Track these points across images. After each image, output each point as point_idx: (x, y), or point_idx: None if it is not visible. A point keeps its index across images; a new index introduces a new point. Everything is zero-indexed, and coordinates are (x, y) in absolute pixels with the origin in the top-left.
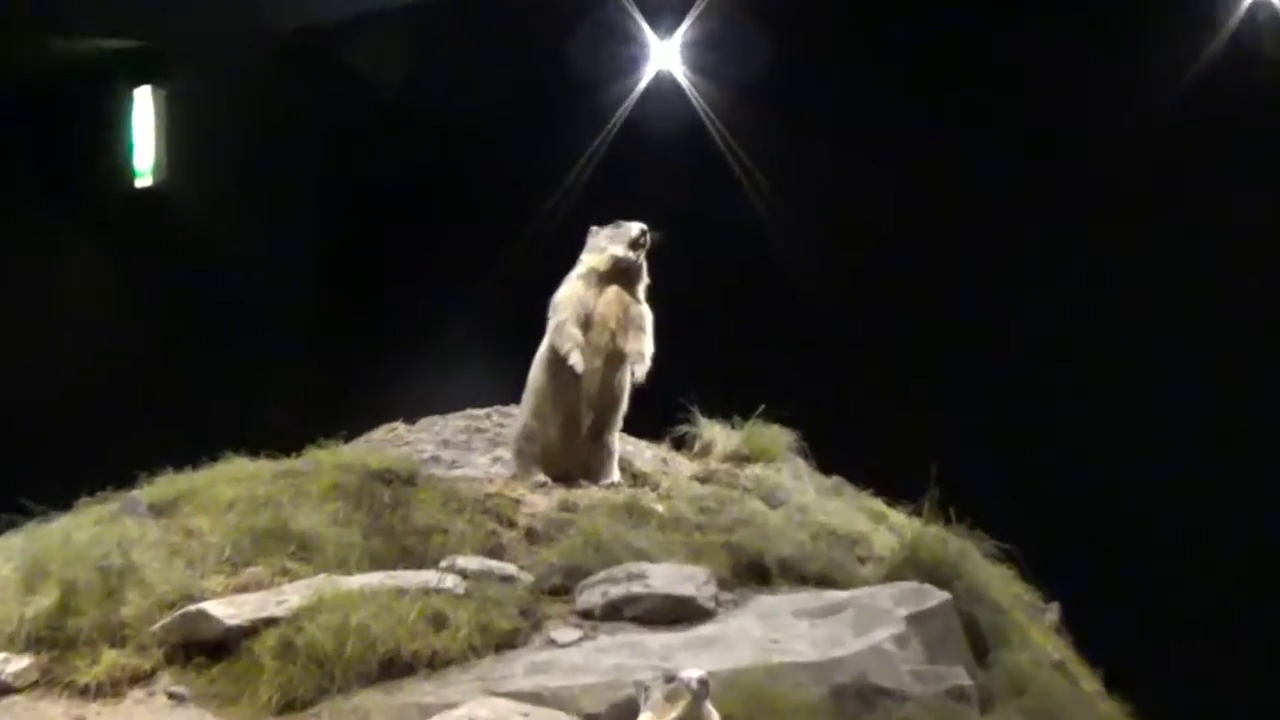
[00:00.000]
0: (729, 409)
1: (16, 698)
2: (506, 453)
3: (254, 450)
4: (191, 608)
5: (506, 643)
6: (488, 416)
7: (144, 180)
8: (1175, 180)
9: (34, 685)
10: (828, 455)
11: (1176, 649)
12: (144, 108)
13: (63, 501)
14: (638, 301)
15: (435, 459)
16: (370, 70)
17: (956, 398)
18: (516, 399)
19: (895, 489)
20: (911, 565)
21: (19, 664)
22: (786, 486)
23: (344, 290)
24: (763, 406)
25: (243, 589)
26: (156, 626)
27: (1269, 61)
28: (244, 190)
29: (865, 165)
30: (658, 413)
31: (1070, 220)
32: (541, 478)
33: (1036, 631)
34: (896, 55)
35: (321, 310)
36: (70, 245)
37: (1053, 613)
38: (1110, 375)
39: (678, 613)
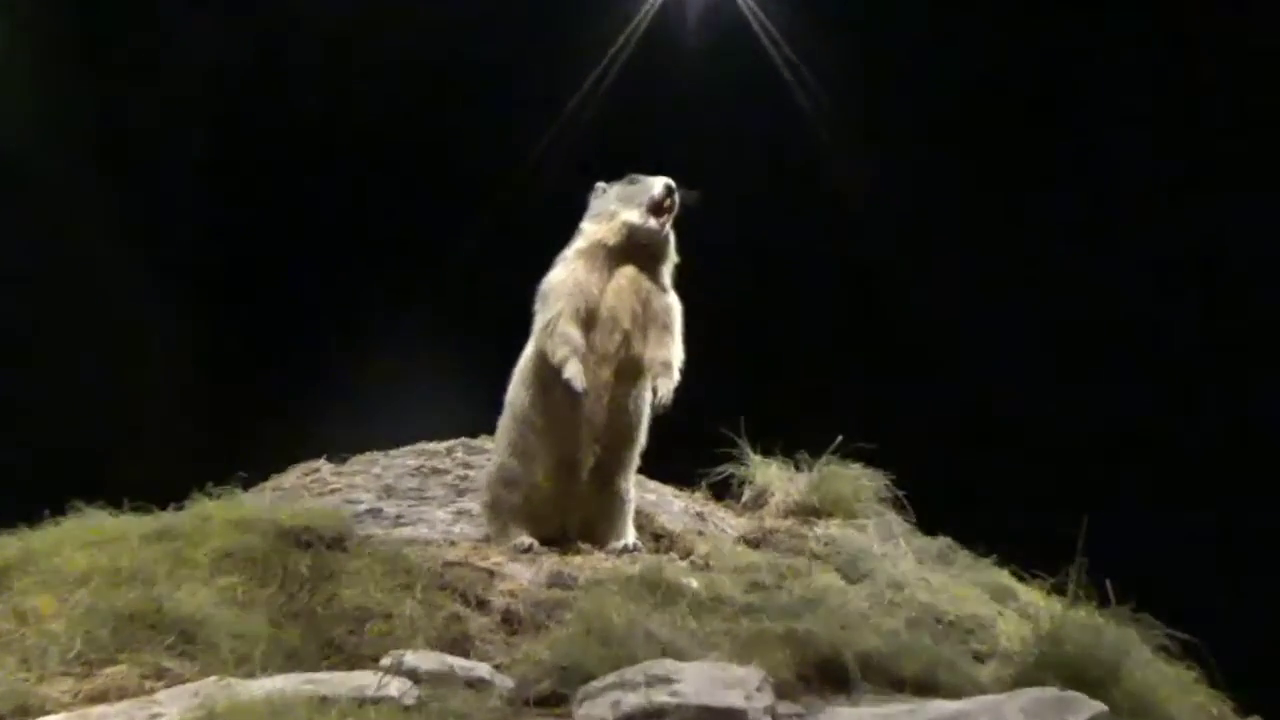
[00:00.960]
0: (792, 442)
1: None
2: (475, 504)
3: (115, 501)
4: None
5: None
6: (448, 453)
7: None
8: None
9: None
10: (931, 507)
11: None
12: None
13: None
14: (662, 289)
15: (374, 513)
16: None
17: (1110, 433)
18: (488, 429)
19: (1028, 555)
20: (1051, 664)
21: None
22: (873, 552)
23: (239, 278)
24: (839, 439)
25: (99, 697)
26: None
27: None
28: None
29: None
30: (691, 448)
31: None
32: (525, 540)
33: None
34: None
35: (207, 306)
36: None
37: None
38: None
39: None
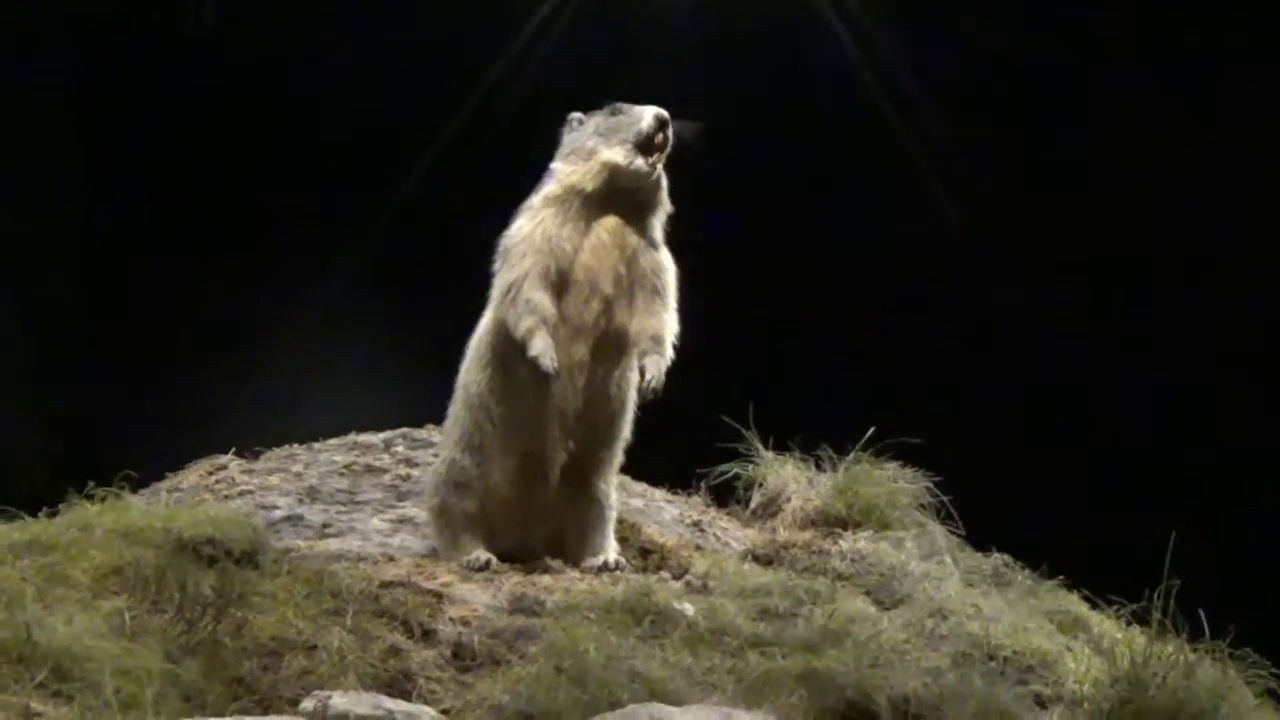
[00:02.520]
0: (812, 436)
1: None
2: (420, 510)
3: None
4: None
5: None
6: (386, 447)
7: None
8: None
9: None
10: (984, 517)
11: None
12: None
13: None
14: (651, 245)
15: (294, 520)
16: None
17: (1204, 430)
18: (434, 418)
19: (1102, 576)
20: (1132, 711)
21: None
22: (912, 572)
23: (121, 230)
24: (870, 432)
25: None
26: None
27: None
28: None
29: None
30: (687, 442)
31: None
32: (481, 555)
33: None
34: None
35: (91, 271)
36: None
37: None
38: None
39: None
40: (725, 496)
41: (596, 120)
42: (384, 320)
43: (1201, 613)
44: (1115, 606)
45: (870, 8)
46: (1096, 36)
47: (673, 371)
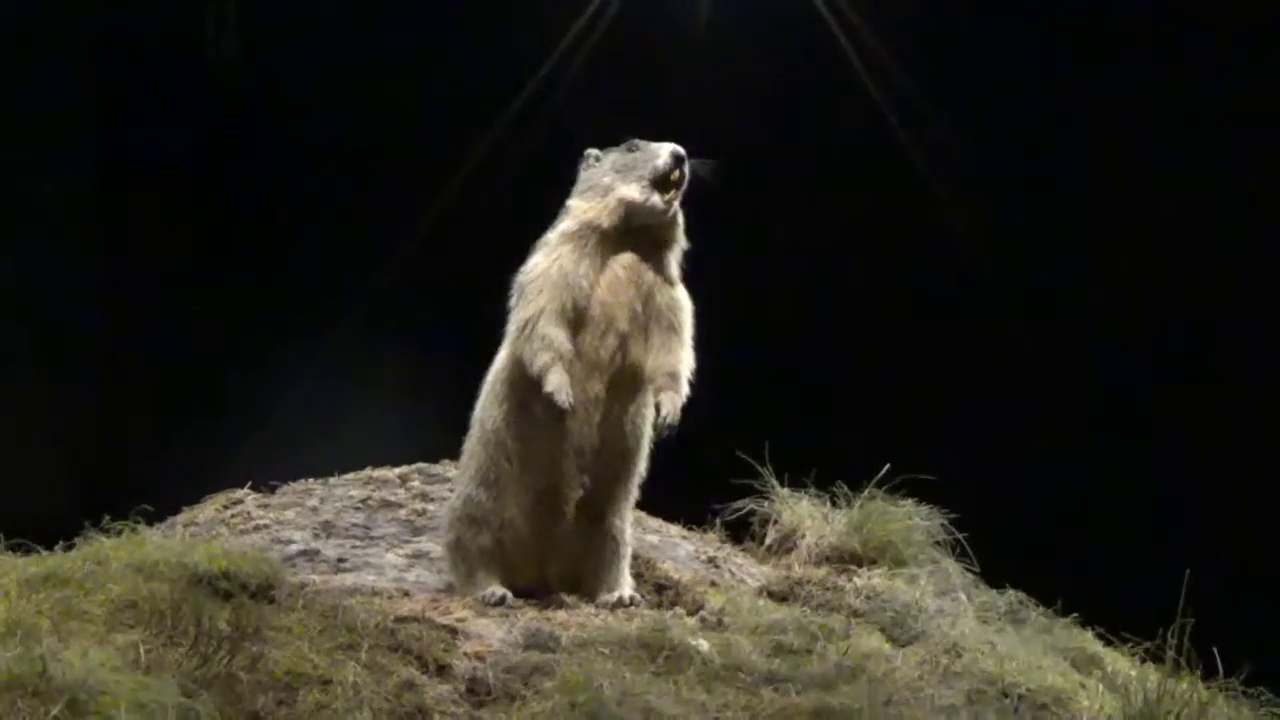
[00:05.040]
0: (826, 473)
1: None
2: (435, 545)
3: None
4: None
5: None
6: (402, 482)
7: None
8: None
9: None
10: (999, 554)
11: None
12: None
13: None
14: (667, 282)
15: (310, 555)
16: None
17: (1217, 469)
18: (452, 453)
19: (1117, 614)
20: None
21: None
22: (927, 609)
23: (139, 264)
24: (885, 469)
25: None
26: None
27: None
28: None
29: None
30: (703, 479)
31: None
32: (497, 590)
33: None
34: None
35: (107, 304)
36: None
37: None
38: None
39: None
40: (740, 533)
41: (613, 157)
42: (400, 356)
43: (1215, 650)
44: (1129, 643)
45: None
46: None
47: (688, 408)
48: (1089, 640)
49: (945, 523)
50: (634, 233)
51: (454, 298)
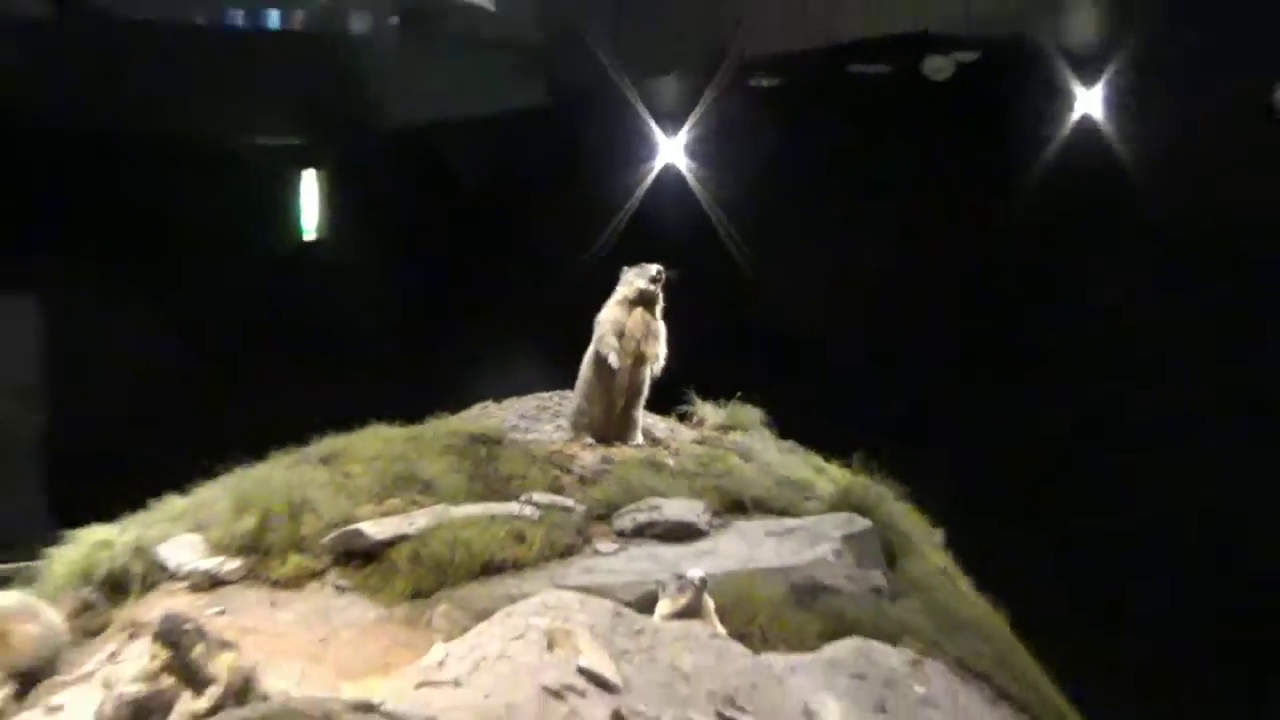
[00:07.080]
0: (718, 394)
1: (231, 587)
2: (565, 423)
3: (390, 420)
4: (350, 527)
5: (567, 552)
6: (552, 398)
7: (309, 235)
8: None
9: (242, 579)
10: (786, 427)
11: (1028, 562)
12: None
13: (260, 453)
14: (656, 319)
15: (515, 427)
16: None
17: (879, 391)
18: (573, 386)
19: (833, 451)
20: (845, 502)
21: (232, 564)
22: (757, 448)
23: (456, 307)
24: (739, 393)
25: (385, 515)
26: (326, 540)
27: None
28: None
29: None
30: (668, 396)
31: None
32: (589, 441)
33: (928, 549)
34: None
35: (439, 321)
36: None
37: (939, 536)
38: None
39: (684, 533)
40: (684, 418)
41: (634, 270)
42: (555, 346)
43: (875, 464)
44: (839, 462)
45: None
46: None
47: (664, 370)
48: (822, 461)
49: (764, 415)
50: (643, 300)
51: (579, 327)
